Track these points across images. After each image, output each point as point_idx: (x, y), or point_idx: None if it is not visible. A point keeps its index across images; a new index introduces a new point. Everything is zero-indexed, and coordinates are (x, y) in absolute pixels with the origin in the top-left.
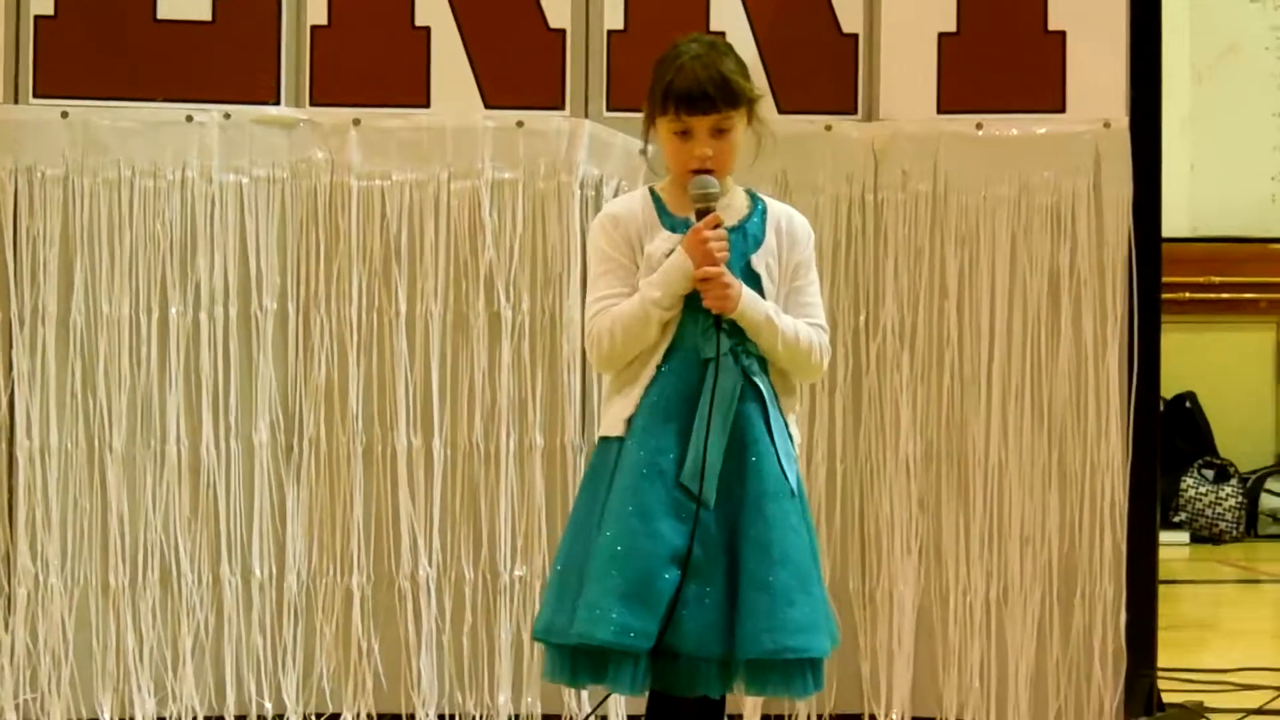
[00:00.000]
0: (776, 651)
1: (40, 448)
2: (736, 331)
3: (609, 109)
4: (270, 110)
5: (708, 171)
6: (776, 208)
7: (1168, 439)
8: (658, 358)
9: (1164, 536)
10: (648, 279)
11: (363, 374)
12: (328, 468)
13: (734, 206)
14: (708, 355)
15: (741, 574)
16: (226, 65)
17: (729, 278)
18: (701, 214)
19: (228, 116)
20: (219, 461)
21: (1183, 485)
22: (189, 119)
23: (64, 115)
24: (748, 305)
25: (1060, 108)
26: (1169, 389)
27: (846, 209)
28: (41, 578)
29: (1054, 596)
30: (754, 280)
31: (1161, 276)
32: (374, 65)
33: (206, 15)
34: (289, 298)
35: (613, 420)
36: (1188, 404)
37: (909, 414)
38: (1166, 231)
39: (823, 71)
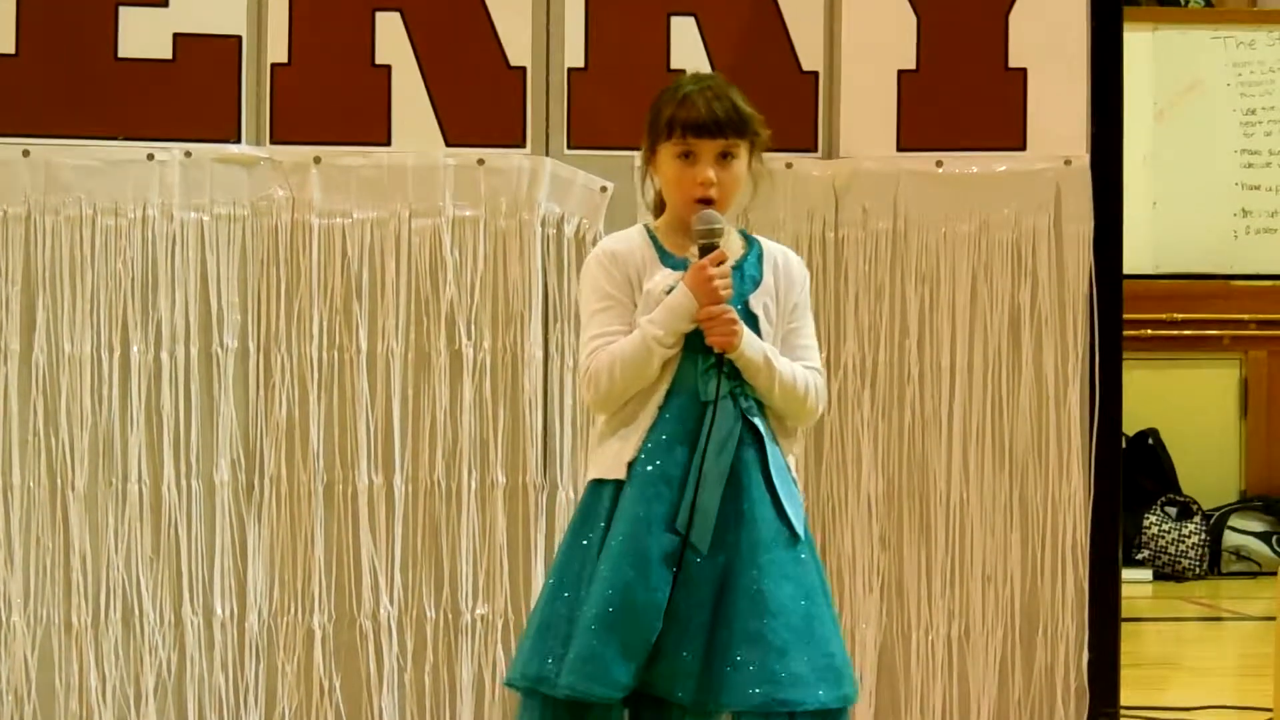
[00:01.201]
0: (765, 705)
1: (2, 486)
2: (735, 373)
3: (570, 147)
4: (231, 148)
5: (709, 203)
6: (773, 247)
7: (1130, 476)
8: (658, 399)
9: (1126, 574)
10: (649, 316)
11: (323, 412)
12: (289, 506)
13: (730, 246)
14: (707, 398)
15: (733, 625)
16: (187, 103)
17: (733, 314)
18: (705, 250)
19: (189, 154)
20: (180, 500)
21: (1145, 523)
22: (150, 157)
23: (25, 154)
24: (747, 345)
25: (1021, 145)
26: (1131, 426)
27: (807, 246)
28: (4, 616)
29: (1016, 635)
30: (752, 321)
31: (1123, 313)
32: (335, 103)
33: (167, 54)
34: (250, 336)
35: (610, 463)
36: (1150, 441)
37: (870, 451)
38: (1129, 268)
39: (783, 109)
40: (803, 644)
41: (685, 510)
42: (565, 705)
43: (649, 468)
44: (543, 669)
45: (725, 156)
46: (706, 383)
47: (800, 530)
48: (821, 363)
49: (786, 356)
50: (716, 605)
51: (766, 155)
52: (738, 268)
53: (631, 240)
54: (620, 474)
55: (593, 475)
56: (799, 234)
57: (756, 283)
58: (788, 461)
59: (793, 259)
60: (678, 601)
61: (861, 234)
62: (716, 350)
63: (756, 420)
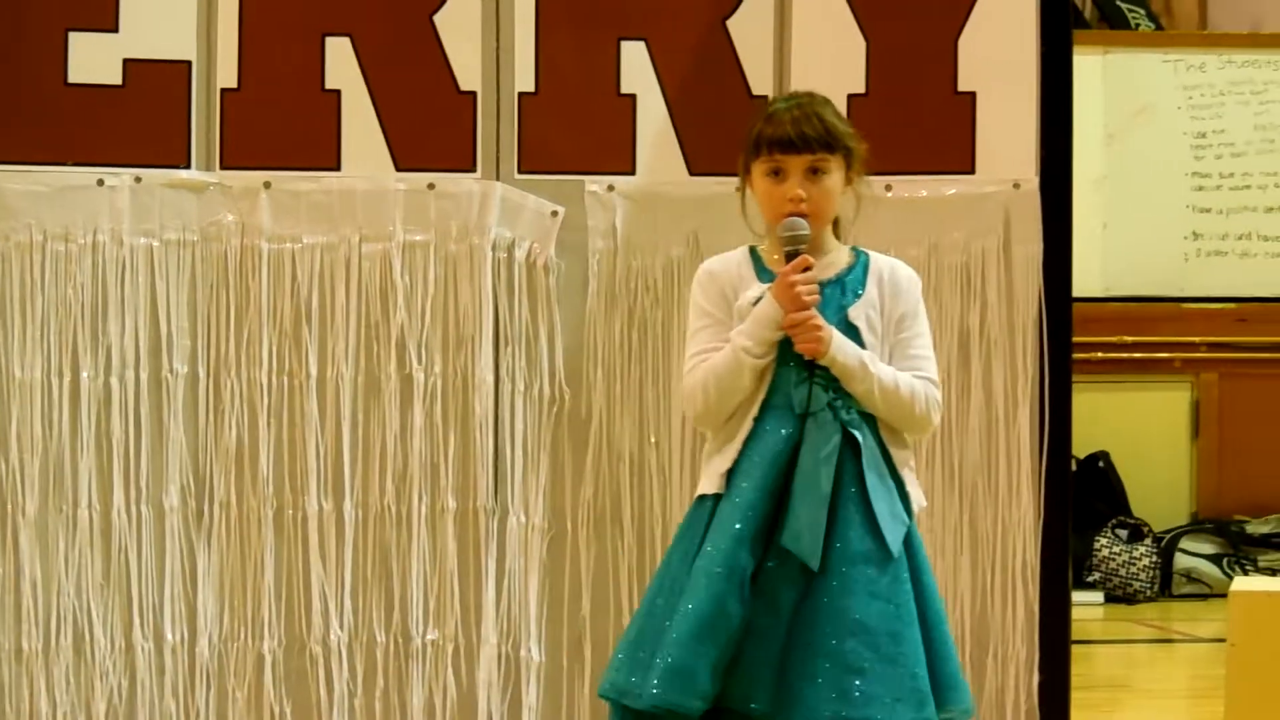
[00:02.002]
0: None
1: None
2: (835, 385)
3: (520, 171)
4: (181, 174)
5: (801, 216)
6: (880, 260)
7: (1081, 499)
8: (754, 411)
9: (1077, 596)
10: (739, 328)
11: (273, 437)
12: (239, 531)
13: (835, 262)
14: (802, 409)
15: (814, 640)
16: (137, 129)
17: (819, 320)
18: (791, 256)
19: (138, 180)
20: (130, 526)
21: (1096, 545)
22: (100, 183)
23: None
24: (839, 350)
25: (970, 169)
26: (1082, 449)
27: None
28: None
29: (966, 657)
30: (853, 333)
31: (1073, 336)
32: (284, 128)
33: (117, 79)
34: (199, 361)
35: (710, 477)
36: (1101, 464)
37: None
38: (1079, 291)
39: (733, 134)
40: (884, 664)
41: (785, 524)
42: (650, 716)
43: (745, 482)
44: (629, 682)
45: (815, 172)
46: (801, 394)
47: (894, 548)
48: (938, 374)
49: (897, 367)
50: (795, 618)
51: (716, 179)
52: (836, 281)
53: (730, 259)
54: (720, 488)
55: (699, 491)
56: None
57: (858, 295)
58: (903, 476)
59: (901, 270)
60: (756, 613)
61: None
62: (806, 356)
63: (857, 433)
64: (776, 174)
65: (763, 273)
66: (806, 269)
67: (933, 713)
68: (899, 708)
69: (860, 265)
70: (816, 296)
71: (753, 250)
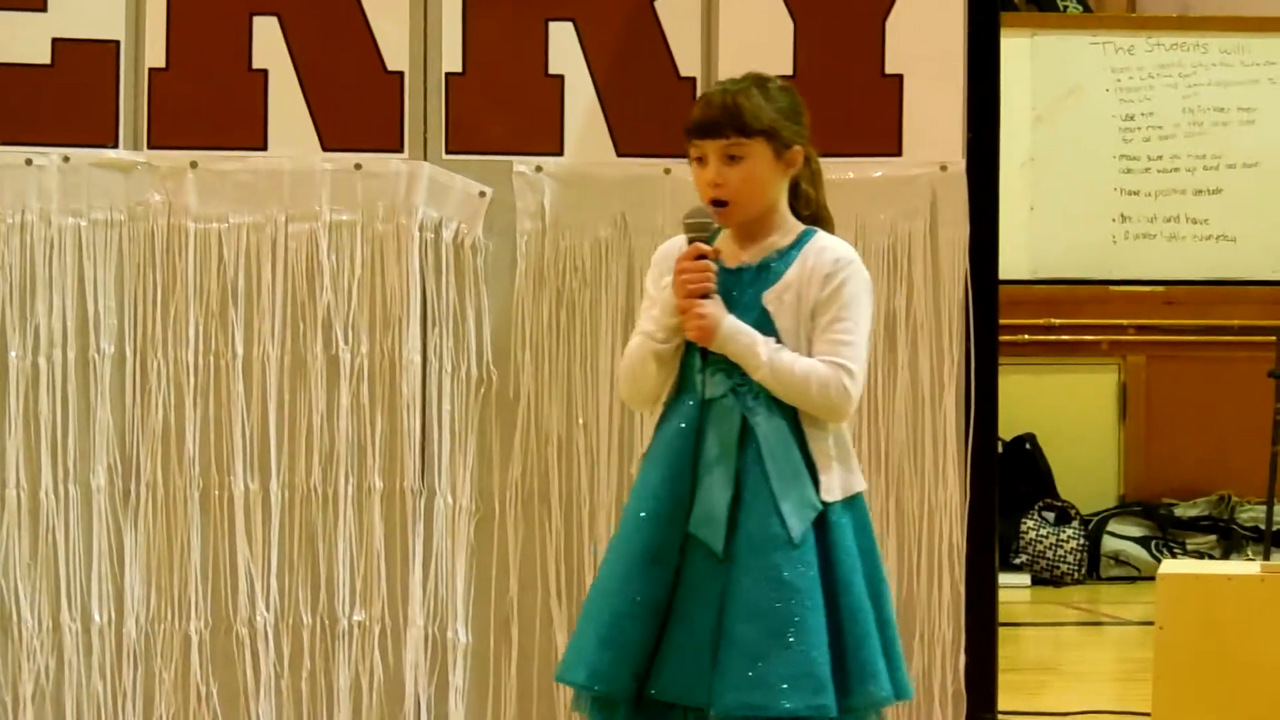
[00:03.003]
0: (733, 708)
1: None
2: (739, 372)
3: (448, 151)
4: (109, 153)
5: (721, 204)
6: (816, 244)
7: (1008, 481)
8: (667, 399)
9: (1004, 579)
10: (649, 313)
11: (200, 417)
12: (165, 512)
13: (774, 244)
14: (702, 396)
15: (723, 628)
16: (65, 108)
17: (704, 308)
18: (692, 244)
19: (66, 159)
20: (58, 506)
21: (1023, 527)
22: (28, 162)
23: None
24: (729, 338)
25: (897, 151)
26: (1009, 431)
27: None
28: None
29: None
30: (765, 317)
31: (999, 318)
32: (211, 108)
33: (45, 59)
34: (126, 341)
35: None
36: (1028, 446)
37: None
38: (1006, 274)
39: (661, 115)
40: (781, 649)
41: (697, 510)
42: (588, 697)
43: (650, 468)
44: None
45: (732, 157)
46: (701, 380)
47: (795, 534)
48: (856, 360)
49: (816, 351)
50: (720, 605)
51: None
52: (762, 264)
53: (676, 243)
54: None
55: None
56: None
57: (778, 278)
58: (818, 461)
59: (828, 255)
60: (683, 603)
61: None
62: (697, 343)
63: (755, 419)
64: (701, 160)
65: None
66: (700, 257)
67: (829, 700)
68: (792, 694)
69: (794, 249)
70: (705, 285)
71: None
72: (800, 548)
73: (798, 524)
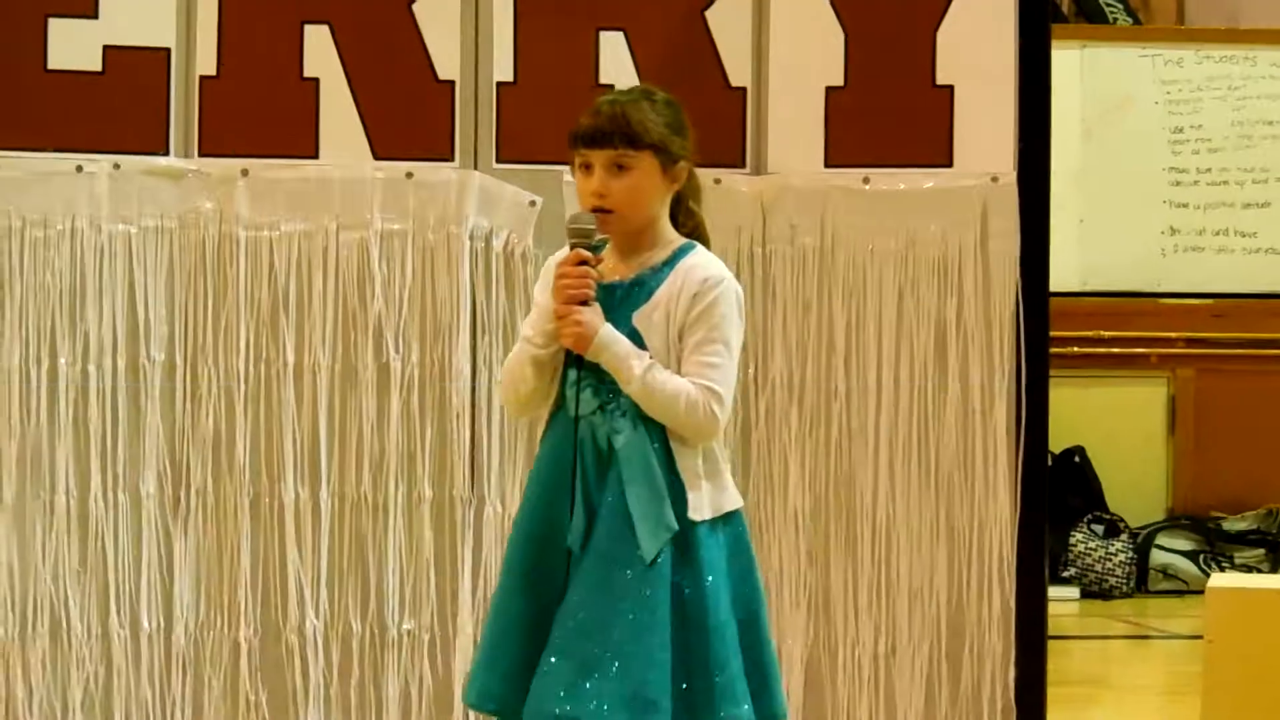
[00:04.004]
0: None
1: None
2: (609, 389)
3: (498, 160)
4: (159, 160)
5: (607, 211)
6: (688, 262)
7: (1057, 494)
8: (548, 412)
9: (1053, 592)
10: (528, 319)
11: (250, 425)
12: (215, 519)
13: (650, 260)
14: (571, 413)
15: (554, 636)
16: (116, 116)
17: (581, 314)
18: (573, 249)
19: (117, 167)
20: (107, 513)
21: (1072, 540)
22: (79, 169)
23: None
24: (605, 347)
25: (948, 162)
26: (1059, 444)
27: (735, 262)
28: None
29: (942, 652)
30: (635, 336)
31: (1049, 330)
32: (263, 116)
33: (97, 66)
34: (176, 348)
35: None
36: (1077, 459)
37: (797, 468)
38: (1056, 285)
39: (711, 125)
40: (612, 666)
41: (574, 526)
42: None
43: (532, 485)
44: None
45: (619, 168)
46: (572, 396)
47: (647, 554)
48: (723, 383)
49: (684, 373)
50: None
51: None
52: (635, 281)
53: (565, 251)
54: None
55: None
56: (726, 249)
57: (649, 296)
58: (686, 480)
59: (696, 275)
60: (554, 620)
61: (789, 250)
62: (572, 350)
63: (620, 438)
64: (586, 169)
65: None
66: (582, 263)
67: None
68: (616, 713)
69: (668, 266)
70: (584, 292)
71: None
72: (652, 568)
73: (651, 544)
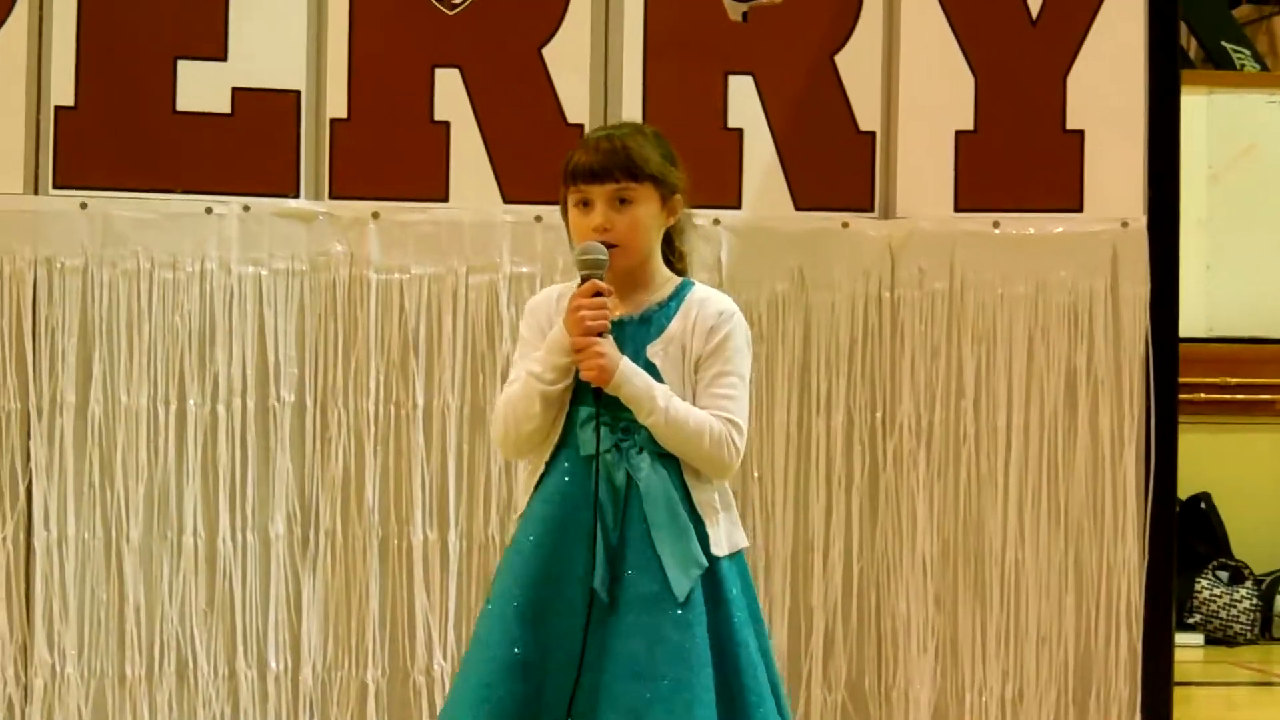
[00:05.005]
0: None
1: (58, 538)
2: (625, 426)
3: None
4: (289, 203)
5: (611, 246)
6: (698, 296)
7: (1183, 540)
8: (547, 454)
9: (1178, 638)
10: (534, 355)
11: (379, 466)
12: (343, 560)
13: (653, 297)
14: (586, 452)
15: (598, 682)
16: (246, 157)
17: (601, 346)
18: (585, 280)
19: (247, 209)
20: (235, 553)
21: (1197, 586)
22: (208, 210)
23: (83, 206)
24: (626, 380)
25: (1078, 207)
26: (1184, 490)
27: (863, 306)
28: (59, 668)
29: (1069, 697)
30: (650, 371)
31: (1179, 376)
32: (393, 159)
33: (226, 108)
34: (306, 390)
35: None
36: (1203, 505)
37: (925, 512)
38: (1182, 331)
39: (840, 168)
40: (663, 708)
41: (599, 570)
42: None
43: (528, 529)
44: None
45: (622, 202)
46: (587, 435)
47: (679, 592)
48: (742, 415)
49: (703, 407)
50: (584, 665)
51: (821, 214)
52: (644, 316)
53: (551, 292)
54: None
55: None
56: (855, 294)
57: (661, 330)
58: (705, 516)
59: (711, 308)
60: (546, 663)
61: (918, 294)
62: (592, 384)
63: (637, 475)
64: (585, 205)
65: None
66: (597, 294)
67: None
68: None
69: (675, 301)
70: (604, 323)
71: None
72: (686, 606)
73: (683, 582)
